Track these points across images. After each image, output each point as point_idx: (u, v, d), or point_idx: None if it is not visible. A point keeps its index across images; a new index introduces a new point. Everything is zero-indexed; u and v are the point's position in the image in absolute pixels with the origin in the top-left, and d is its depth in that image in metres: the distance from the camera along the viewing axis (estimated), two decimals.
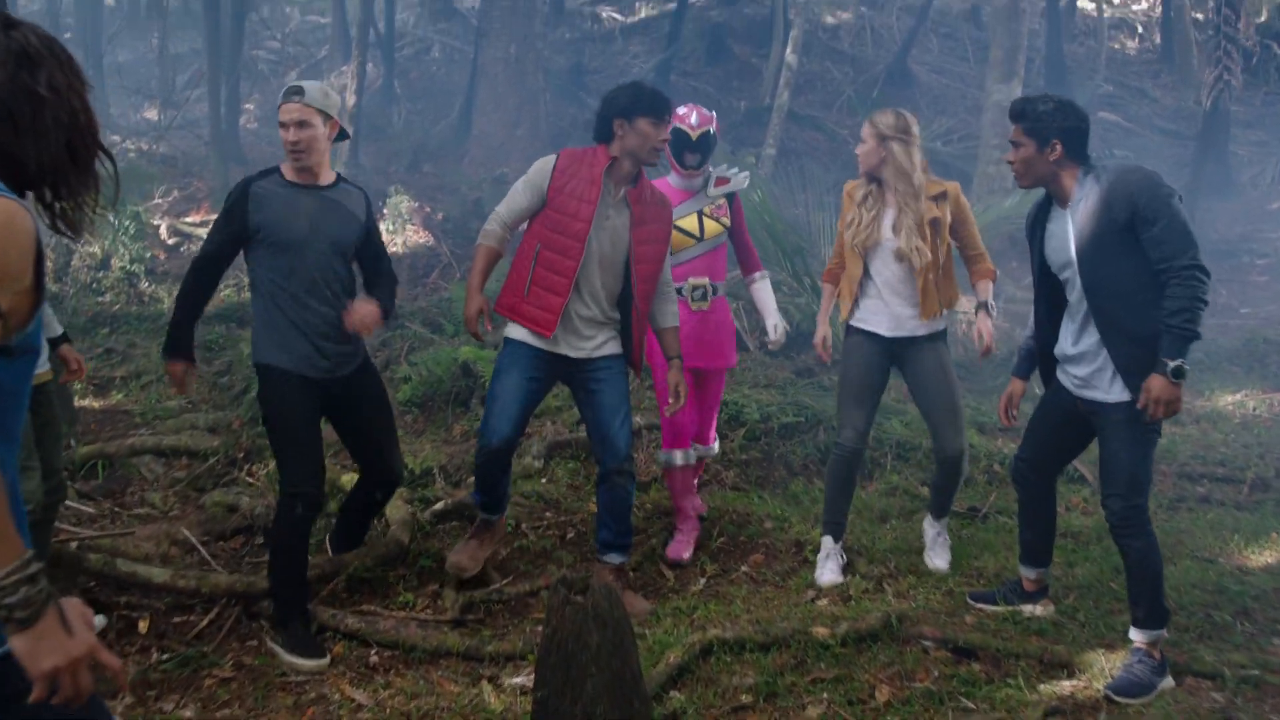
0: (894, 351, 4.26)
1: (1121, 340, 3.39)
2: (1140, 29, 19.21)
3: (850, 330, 4.32)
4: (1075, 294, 3.52)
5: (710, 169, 4.58)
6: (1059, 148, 3.43)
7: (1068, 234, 3.47)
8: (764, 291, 4.72)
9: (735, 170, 4.66)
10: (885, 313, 4.21)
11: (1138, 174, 3.34)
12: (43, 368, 3.42)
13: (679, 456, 4.59)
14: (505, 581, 4.25)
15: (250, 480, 5.14)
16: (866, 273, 4.22)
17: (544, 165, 3.99)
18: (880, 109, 4.22)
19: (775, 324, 4.66)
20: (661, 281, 4.11)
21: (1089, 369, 3.52)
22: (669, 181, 4.54)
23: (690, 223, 4.47)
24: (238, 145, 12.24)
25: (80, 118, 1.70)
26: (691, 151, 4.42)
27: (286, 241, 3.65)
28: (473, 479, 4.43)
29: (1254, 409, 7.20)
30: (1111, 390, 3.46)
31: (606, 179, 3.91)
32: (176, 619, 3.90)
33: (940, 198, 4.12)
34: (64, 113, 1.67)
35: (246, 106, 14.38)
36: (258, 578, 3.97)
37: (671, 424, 4.56)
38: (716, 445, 4.90)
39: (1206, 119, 12.72)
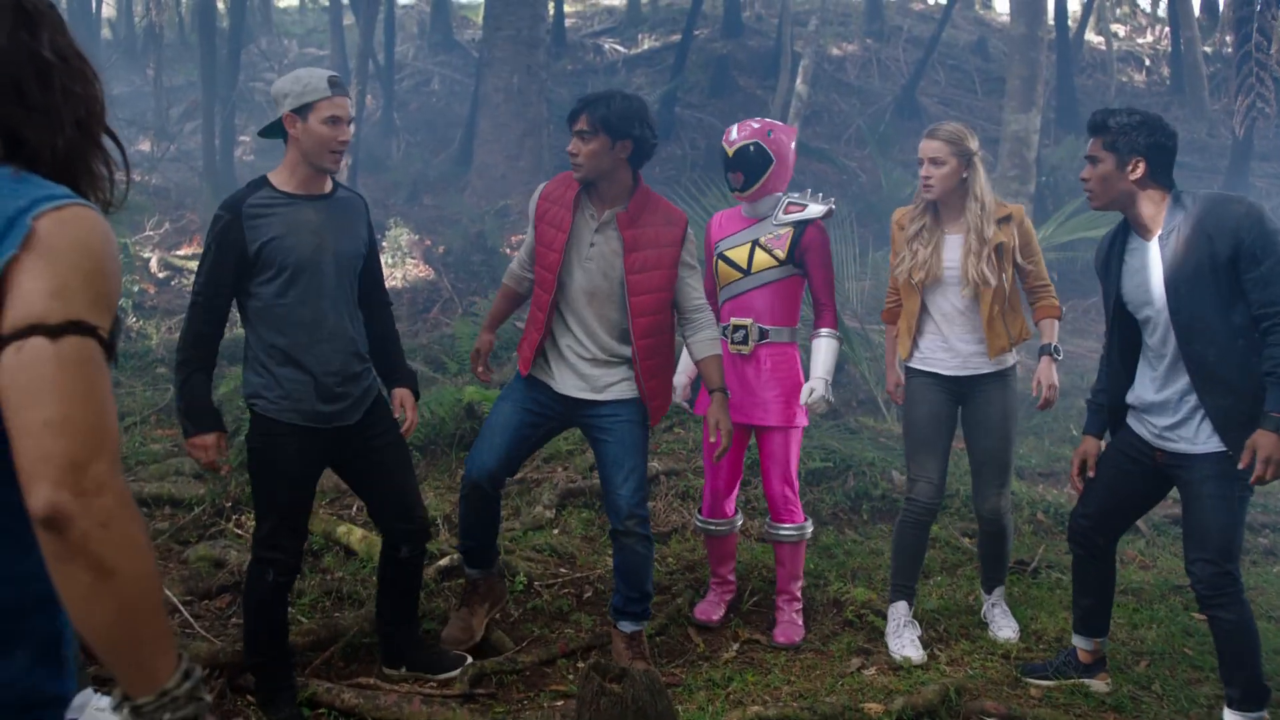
0: (959, 391, 3.87)
1: (1218, 390, 3.02)
2: (1148, 61, 19.04)
3: (911, 372, 3.93)
4: (1158, 336, 3.15)
5: (787, 194, 4.01)
6: (1141, 166, 3.09)
7: (1153, 269, 3.11)
8: (821, 351, 3.97)
9: (819, 195, 4.05)
10: (947, 350, 3.83)
11: (1242, 206, 2.98)
12: None
13: (715, 526, 4.15)
14: (518, 649, 3.85)
15: (238, 532, 4.73)
16: (925, 308, 3.85)
17: (535, 194, 3.68)
18: (940, 123, 3.84)
19: (813, 388, 3.87)
20: (690, 309, 3.64)
21: (1173, 418, 3.15)
22: (740, 210, 4.06)
23: (739, 254, 3.96)
24: (232, 177, 11.92)
25: (92, 89, 1.35)
26: (731, 171, 3.89)
27: (294, 263, 3.08)
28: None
29: None
30: (1198, 440, 3.09)
31: (585, 201, 3.54)
32: None
33: (1005, 220, 3.74)
34: (75, 83, 1.32)
35: (242, 138, 14.11)
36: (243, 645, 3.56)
37: (712, 486, 4.10)
38: (808, 525, 4.10)
39: (1237, 148, 12.41)
